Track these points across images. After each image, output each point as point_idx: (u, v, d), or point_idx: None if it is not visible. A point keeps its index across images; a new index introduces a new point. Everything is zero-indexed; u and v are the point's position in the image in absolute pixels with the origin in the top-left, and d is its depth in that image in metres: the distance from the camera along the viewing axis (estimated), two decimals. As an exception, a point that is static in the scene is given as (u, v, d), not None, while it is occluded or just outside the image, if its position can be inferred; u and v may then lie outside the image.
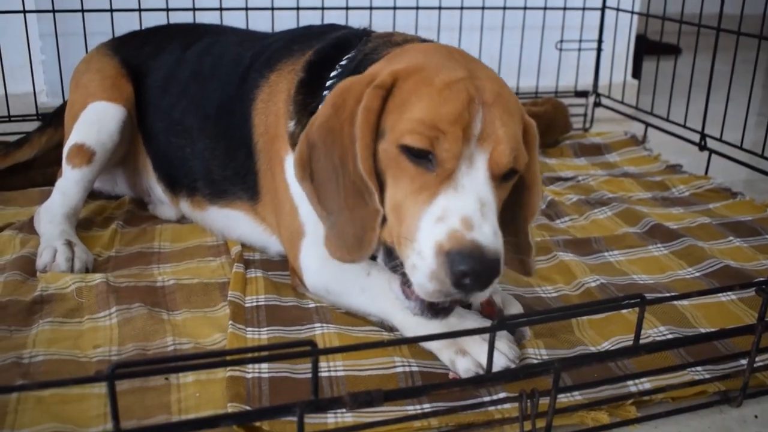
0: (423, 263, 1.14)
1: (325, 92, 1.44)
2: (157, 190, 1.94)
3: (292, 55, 1.61)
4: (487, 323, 1.32)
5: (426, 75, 1.21)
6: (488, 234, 1.13)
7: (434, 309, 1.23)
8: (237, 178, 1.68)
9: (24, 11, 2.36)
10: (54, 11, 2.40)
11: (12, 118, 2.44)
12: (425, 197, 1.18)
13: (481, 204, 1.16)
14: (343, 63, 1.47)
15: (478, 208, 1.15)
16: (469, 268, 1.10)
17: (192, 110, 1.78)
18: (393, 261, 1.24)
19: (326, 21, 2.65)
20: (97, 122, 1.84)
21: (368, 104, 1.22)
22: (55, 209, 1.79)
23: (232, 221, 1.74)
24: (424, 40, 1.49)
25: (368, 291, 1.43)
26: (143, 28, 2.37)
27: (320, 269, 1.49)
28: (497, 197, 1.21)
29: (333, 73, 1.46)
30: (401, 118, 1.20)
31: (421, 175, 1.19)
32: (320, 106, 1.32)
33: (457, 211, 1.14)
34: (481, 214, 1.15)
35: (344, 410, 1.19)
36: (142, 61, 1.93)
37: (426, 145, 1.17)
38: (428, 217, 1.16)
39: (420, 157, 1.18)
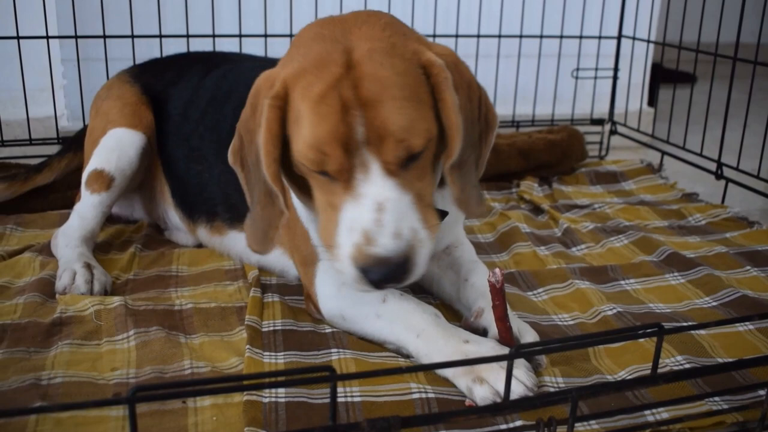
0: (346, 270, 1.25)
1: None
2: (173, 217, 1.96)
3: None
4: (504, 351, 1.32)
5: (306, 83, 1.25)
6: (387, 244, 1.21)
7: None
8: None
9: (47, 37, 2.40)
10: (76, 37, 2.44)
11: (33, 142, 2.47)
12: (335, 207, 1.27)
13: (379, 209, 1.22)
14: None
15: (374, 219, 1.22)
16: (379, 277, 1.23)
17: (209, 136, 1.80)
18: None
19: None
20: (117, 149, 1.86)
21: (267, 116, 1.29)
22: (72, 232, 1.81)
23: None
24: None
25: (384, 317, 1.43)
26: (163, 54, 2.41)
27: (335, 295, 1.50)
28: (408, 184, 1.26)
29: None
30: (297, 135, 1.26)
31: (329, 185, 1.27)
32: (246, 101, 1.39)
33: (358, 223, 1.23)
34: (377, 224, 1.22)
35: (361, 436, 1.19)
36: (162, 88, 1.95)
37: (317, 168, 1.25)
38: (341, 227, 1.26)
39: (320, 172, 1.26)
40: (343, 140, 1.21)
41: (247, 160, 1.38)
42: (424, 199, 1.30)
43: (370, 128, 1.21)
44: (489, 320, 1.45)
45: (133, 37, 2.46)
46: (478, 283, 1.55)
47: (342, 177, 1.24)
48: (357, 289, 1.29)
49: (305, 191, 1.39)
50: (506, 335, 1.38)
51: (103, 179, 1.84)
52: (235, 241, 1.81)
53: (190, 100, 1.89)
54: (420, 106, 1.25)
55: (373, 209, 1.22)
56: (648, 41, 3.02)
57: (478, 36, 2.86)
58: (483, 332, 1.44)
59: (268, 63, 1.86)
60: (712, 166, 2.47)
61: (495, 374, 1.27)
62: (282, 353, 1.43)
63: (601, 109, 3.09)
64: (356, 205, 1.23)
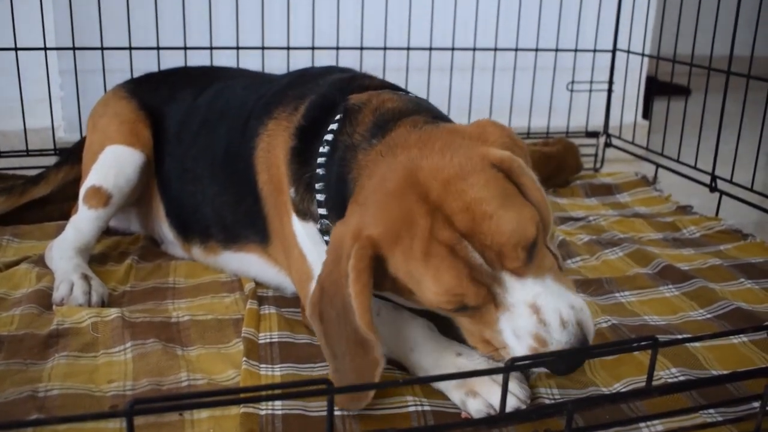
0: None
1: (318, 169, 1.45)
2: (168, 235, 1.96)
3: (288, 102, 1.62)
4: (496, 363, 1.33)
5: (404, 247, 1.22)
6: (561, 339, 1.20)
7: None
8: (247, 221, 1.70)
9: (45, 48, 2.41)
10: (74, 48, 2.45)
11: (30, 153, 2.47)
12: (491, 324, 1.24)
13: (534, 310, 1.21)
14: (328, 138, 1.46)
15: (536, 321, 1.20)
16: (562, 371, 1.22)
17: (202, 156, 1.81)
18: None
19: (341, 60, 2.69)
20: (114, 166, 1.87)
21: (356, 264, 1.23)
22: (67, 244, 1.82)
23: (246, 264, 1.77)
24: (394, 117, 1.44)
25: (378, 331, 1.44)
26: (161, 66, 2.42)
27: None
28: (540, 269, 1.24)
29: (321, 150, 1.47)
30: (421, 290, 1.23)
31: (476, 312, 1.24)
32: (326, 254, 1.33)
33: (523, 331, 1.21)
34: (542, 324, 1.20)
35: (357, 449, 1.19)
36: (158, 105, 1.96)
37: (458, 307, 1.23)
38: (507, 335, 1.23)
39: (461, 309, 1.24)
40: (468, 275, 1.19)
41: (326, 313, 1.31)
42: (556, 269, 1.29)
43: (484, 251, 1.20)
44: None
45: (130, 49, 2.47)
46: None
47: (485, 302, 1.22)
48: None
49: None
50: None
51: (100, 196, 1.84)
52: (229, 261, 1.82)
53: (183, 121, 1.90)
54: (513, 201, 1.24)
55: (530, 313, 1.21)
56: (642, 55, 3.04)
57: (474, 49, 2.88)
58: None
59: (258, 80, 1.88)
60: (706, 179, 2.49)
61: (487, 387, 1.28)
62: (279, 365, 1.44)
63: (596, 122, 3.11)
64: (512, 316, 1.21)
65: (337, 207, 1.38)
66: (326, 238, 1.45)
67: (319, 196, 1.45)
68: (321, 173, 1.45)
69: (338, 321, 1.28)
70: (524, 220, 1.21)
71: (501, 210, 1.20)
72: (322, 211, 1.45)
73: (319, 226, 1.47)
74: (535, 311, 1.20)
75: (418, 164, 1.25)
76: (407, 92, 1.60)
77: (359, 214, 1.28)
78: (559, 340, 1.19)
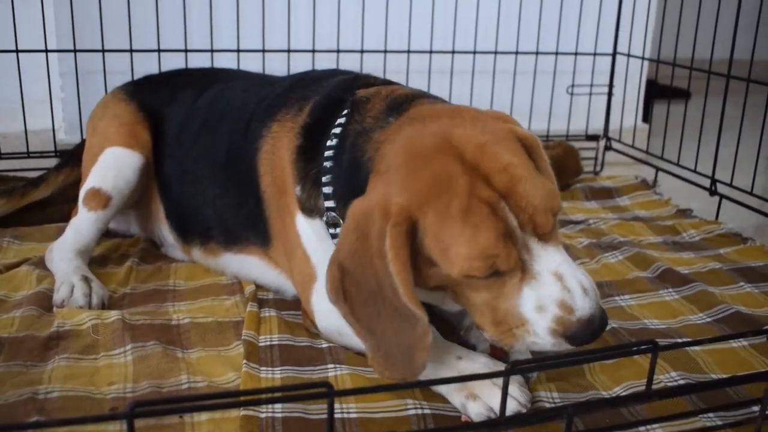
0: (543, 341, 1.23)
1: (325, 163, 1.46)
2: (168, 237, 1.97)
3: (292, 104, 1.63)
4: (496, 366, 1.33)
5: (440, 205, 1.21)
6: (585, 306, 1.20)
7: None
8: (248, 223, 1.70)
9: (46, 50, 2.41)
10: (75, 51, 2.45)
11: (30, 154, 2.48)
12: (512, 295, 1.23)
13: (558, 277, 1.21)
14: (336, 131, 1.47)
15: (561, 288, 1.20)
16: (591, 337, 1.22)
17: (202, 159, 1.81)
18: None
19: (341, 63, 2.69)
20: (114, 168, 1.87)
21: (394, 243, 1.21)
22: (67, 246, 1.82)
23: (246, 266, 1.77)
24: (407, 99, 1.45)
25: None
26: (162, 68, 2.42)
27: (332, 312, 1.49)
28: (558, 239, 1.26)
29: (329, 143, 1.47)
30: (448, 257, 1.21)
31: (498, 282, 1.23)
32: (341, 232, 1.31)
33: (550, 299, 1.21)
34: (566, 291, 1.20)
35: (357, 452, 1.19)
36: (157, 107, 1.96)
37: (488, 272, 1.21)
38: (527, 309, 1.22)
39: (489, 276, 1.22)
40: (506, 235, 1.19)
41: (351, 293, 1.29)
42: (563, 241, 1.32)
43: (520, 213, 1.20)
44: (477, 336, 1.46)
45: (131, 51, 2.47)
46: None
47: (513, 269, 1.22)
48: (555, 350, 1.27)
49: None
50: (498, 350, 1.39)
51: (100, 198, 1.85)
52: (229, 263, 1.82)
53: (184, 123, 1.90)
54: (538, 173, 1.28)
55: (555, 280, 1.21)
56: (642, 58, 3.04)
57: (474, 52, 2.88)
58: (473, 348, 1.45)
59: (259, 82, 1.88)
60: (706, 182, 2.49)
61: (488, 390, 1.28)
62: (279, 368, 1.44)
63: (596, 125, 3.11)
64: (537, 284, 1.21)
65: (348, 195, 1.36)
66: (332, 231, 1.45)
67: (326, 189, 1.45)
68: (329, 166, 1.45)
69: (373, 299, 1.26)
70: (552, 190, 1.25)
71: (531, 175, 1.23)
72: (329, 203, 1.45)
73: (325, 219, 1.47)
74: (558, 278, 1.21)
75: (450, 131, 1.27)
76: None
77: (383, 184, 1.28)
78: (583, 306, 1.20)
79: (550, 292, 1.21)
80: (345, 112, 1.48)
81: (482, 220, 1.18)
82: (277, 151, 1.59)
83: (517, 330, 1.24)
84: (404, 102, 1.43)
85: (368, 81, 1.61)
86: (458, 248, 1.20)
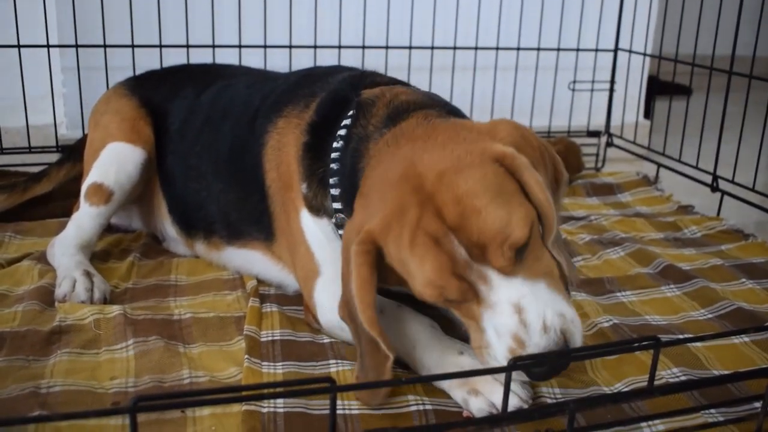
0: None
1: (332, 164, 1.46)
2: (171, 231, 1.97)
3: (298, 101, 1.63)
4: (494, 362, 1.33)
5: (395, 235, 1.22)
6: (539, 343, 1.18)
7: None
8: (252, 218, 1.70)
9: (48, 45, 2.41)
10: (77, 46, 2.45)
11: (32, 150, 2.48)
12: (474, 318, 1.24)
13: (518, 310, 1.19)
14: (342, 133, 1.47)
15: (517, 321, 1.19)
16: (534, 376, 1.21)
17: (206, 155, 1.81)
18: None
19: (343, 59, 2.69)
20: (116, 163, 1.87)
21: (354, 260, 1.25)
22: (69, 241, 1.82)
23: (249, 261, 1.77)
24: (407, 109, 1.44)
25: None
26: (163, 64, 2.42)
27: (334, 307, 1.50)
28: (532, 271, 1.22)
29: (335, 144, 1.47)
30: (410, 279, 1.24)
31: (459, 306, 1.25)
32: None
33: (504, 329, 1.20)
34: (522, 325, 1.18)
35: (359, 447, 1.19)
36: (159, 102, 1.96)
37: (441, 299, 1.22)
38: (489, 334, 1.22)
39: (446, 302, 1.24)
40: (450, 269, 1.19)
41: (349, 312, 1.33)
42: (554, 275, 1.27)
43: (469, 245, 1.19)
44: None
45: (133, 46, 2.47)
46: None
47: (467, 297, 1.22)
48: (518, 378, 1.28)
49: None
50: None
51: (102, 193, 1.85)
52: (232, 257, 1.82)
53: (186, 119, 1.90)
54: (508, 199, 1.21)
55: (512, 312, 1.19)
56: (644, 54, 3.03)
57: (476, 48, 2.88)
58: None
59: (262, 78, 1.88)
60: (708, 179, 2.49)
61: (489, 386, 1.28)
62: (280, 363, 1.44)
63: (598, 122, 3.11)
64: (494, 313, 1.20)
65: (352, 200, 1.38)
66: (341, 232, 1.46)
67: (334, 191, 1.45)
68: (335, 168, 1.45)
69: (353, 320, 1.30)
70: (515, 219, 1.19)
71: (491, 206, 1.18)
72: (337, 205, 1.46)
73: (334, 220, 1.48)
74: (517, 311, 1.19)
75: (419, 156, 1.26)
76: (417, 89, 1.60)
77: (362, 207, 1.30)
78: (537, 343, 1.17)
79: (504, 323, 1.19)
80: (351, 113, 1.49)
81: (426, 252, 1.19)
82: (283, 147, 1.59)
83: (484, 350, 1.24)
84: (403, 112, 1.42)
85: (374, 79, 1.61)
86: (412, 276, 1.22)
